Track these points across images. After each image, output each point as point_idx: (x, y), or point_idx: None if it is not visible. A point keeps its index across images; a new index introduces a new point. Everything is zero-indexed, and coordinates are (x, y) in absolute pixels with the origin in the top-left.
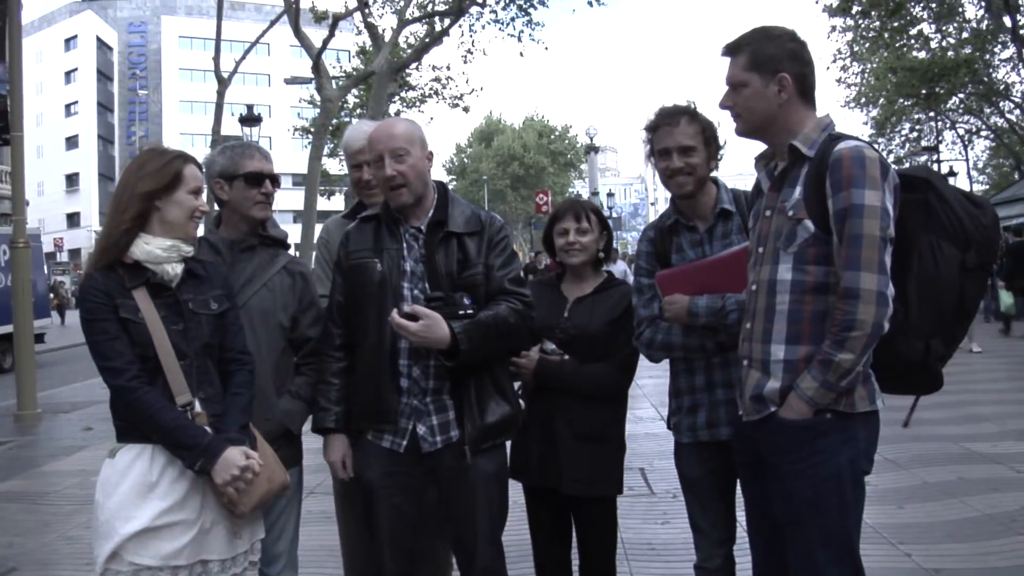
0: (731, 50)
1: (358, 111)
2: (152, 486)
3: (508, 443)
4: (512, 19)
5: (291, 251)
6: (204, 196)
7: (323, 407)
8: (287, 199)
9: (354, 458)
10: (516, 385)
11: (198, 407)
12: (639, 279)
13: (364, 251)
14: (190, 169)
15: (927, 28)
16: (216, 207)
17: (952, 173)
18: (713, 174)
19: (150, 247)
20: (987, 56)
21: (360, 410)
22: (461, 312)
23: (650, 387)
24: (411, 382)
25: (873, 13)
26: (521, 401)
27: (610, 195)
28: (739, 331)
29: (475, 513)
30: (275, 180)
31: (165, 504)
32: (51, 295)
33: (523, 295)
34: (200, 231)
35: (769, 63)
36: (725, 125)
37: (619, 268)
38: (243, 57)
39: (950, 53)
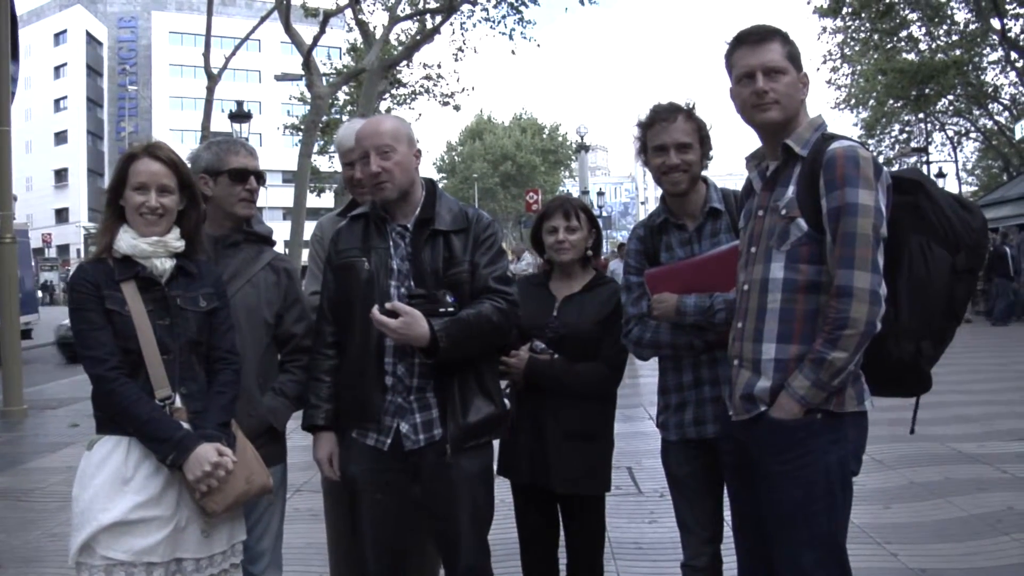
0: (766, 35)
1: (348, 108)
2: (127, 480)
3: (495, 442)
4: (503, 17)
5: (278, 247)
6: (157, 191)
7: (313, 404)
8: (277, 196)
9: (339, 455)
10: (504, 385)
11: (178, 402)
12: (628, 277)
13: (352, 250)
14: (136, 165)
15: (917, 30)
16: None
17: (941, 174)
18: (703, 173)
19: (136, 242)
20: (976, 58)
21: (346, 408)
22: (442, 309)
23: (643, 386)
24: (395, 380)
25: (863, 15)
26: (507, 401)
27: (600, 194)
28: (727, 330)
29: (458, 512)
30: (260, 177)
31: (140, 498)
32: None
33: (507, 293)
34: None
35: (796, 59)
36: (716, 126)
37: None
38: (233, 53)
39: (939, 55)
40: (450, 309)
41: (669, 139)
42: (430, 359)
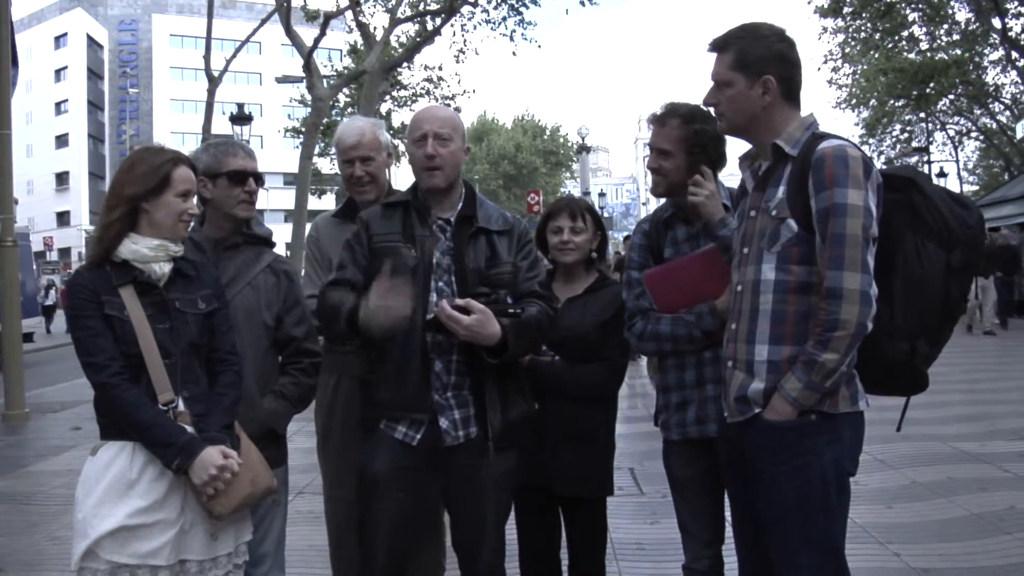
0: (718, 46)
1: (349, 110)
2: (132, 484)
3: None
4: (504, 19)
5: (278, 250)
6: (194, 199)
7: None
8: (278, 199)
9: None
10: None
11: (181, 406)
12: (630, 272)
13: (393, 235)
14: (180, 172)
15: (917, 30)
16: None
17: (943, 174)
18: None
19: (137, 247)
20: (977, 58)
21: (387, 400)
22: (511, 311)
23: (647, 387)
24: (433, 376)
25: (864, 15)
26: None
27: (602, 195)
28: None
29: (484, 513)
30: (259, 178)
31: (144, 503)
32: None
33: (552, 300)
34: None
35: (754, 64)
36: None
37: None
38: (234, 56)
39: (940, 55)
40: (517, 311)
41: (652, 142)
42: (493, 359)
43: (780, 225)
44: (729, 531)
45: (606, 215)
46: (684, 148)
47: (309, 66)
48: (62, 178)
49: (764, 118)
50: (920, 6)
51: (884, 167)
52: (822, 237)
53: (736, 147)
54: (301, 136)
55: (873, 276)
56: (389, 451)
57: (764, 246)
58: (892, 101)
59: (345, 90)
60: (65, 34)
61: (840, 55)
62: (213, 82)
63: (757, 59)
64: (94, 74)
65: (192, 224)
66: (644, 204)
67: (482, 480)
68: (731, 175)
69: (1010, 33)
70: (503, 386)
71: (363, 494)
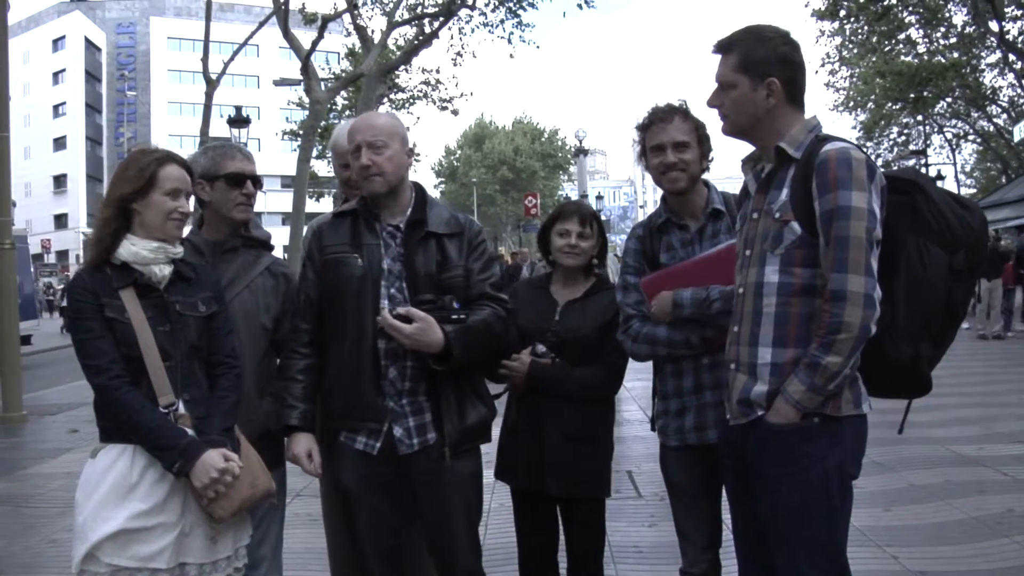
0: (722, 48)
1: (347, 113)
2: (132, 487)
3: (483, 445)
4: (502, 21)
5: (276, 252)
6: (186, 198)
7: (289, 404)
8: (276, 201)
9: (330, 462)
10: (503, 387)
11: (182, 408)
12: (625, 277)
13: (341, 246)
14: (167, 170)
15: (915, 33)
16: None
17: (940, 177)
18: (704, 176)
19: (136, 248)
20: (974, 61)
21: (340, 409)
22: (454, 316)
23: (638, 389)
24: (387, 383)
25: (861, 17)
26: (495, 404)
27: (599, 198)
28: (726, 327)
29: (451, 515)
30: (257, 181)
31: (145, 506)
32: None
33: (505, 301)
34: (184, 232)
35: (759, 66)
36: (715, 126)
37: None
38: (232, 58)
39: (938, 57)
40: (461, 316)
41: (666, 138)
42: (439, 366)
43: (783, 228)
44: (727, 535)
45: (603, 218)
46: (695, 139)
47: (307, 69)
48: (60, 181)
49: (768, 120)
50: (917, 9)
51: (886, 170)
52: (825, 240)
53: (737, 149)
54: (299, 139)
55: (876, 279)
56: (352, 463)
57: (767, 248)
58: (889, 104)
59: (343, 93)
60: (63, 37)
61: (837, 58)
62: (211, 85)
63: (761, 61)
64: (92, 77)
65: (191, 227)
66: (641, 207)
67: (446, 483)
68: (729, 179)
69: (1007, 36)
70: (460, 391)
71: (344, 501)
